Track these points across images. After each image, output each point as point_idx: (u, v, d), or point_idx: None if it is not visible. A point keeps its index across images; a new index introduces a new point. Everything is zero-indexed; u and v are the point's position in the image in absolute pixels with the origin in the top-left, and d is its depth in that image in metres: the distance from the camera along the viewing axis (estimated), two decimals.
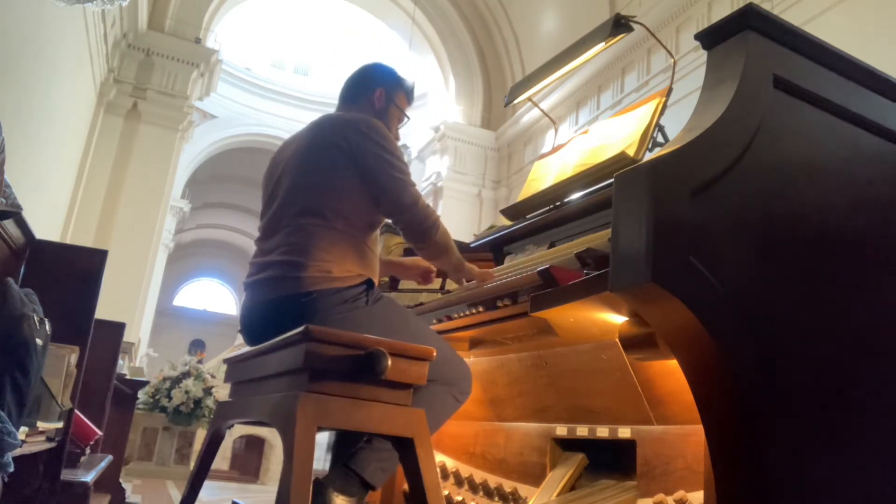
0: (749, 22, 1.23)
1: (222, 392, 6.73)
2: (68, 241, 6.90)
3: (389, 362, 1.29)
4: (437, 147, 11.25)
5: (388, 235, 2.53)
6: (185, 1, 8.90)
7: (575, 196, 2.11)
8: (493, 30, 11.03)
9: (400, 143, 1.89)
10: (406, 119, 1.97)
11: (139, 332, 8.22)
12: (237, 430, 7.94)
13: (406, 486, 2.01)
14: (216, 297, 22.73)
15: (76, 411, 2.56)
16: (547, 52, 8.32)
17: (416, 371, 1.36)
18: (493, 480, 2.00)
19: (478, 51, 11.08)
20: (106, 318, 3.41)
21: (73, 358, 2.38)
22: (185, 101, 8.68)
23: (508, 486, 1.93)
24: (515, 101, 2.67)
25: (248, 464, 8.60)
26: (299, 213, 1.68)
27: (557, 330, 1.51)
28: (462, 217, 10.22)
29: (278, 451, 7.63)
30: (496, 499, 1.95)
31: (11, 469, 1.48)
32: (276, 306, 1.62)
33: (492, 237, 2.43)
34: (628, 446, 1.58)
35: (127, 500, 4.07)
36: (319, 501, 1.42)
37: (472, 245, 2.50)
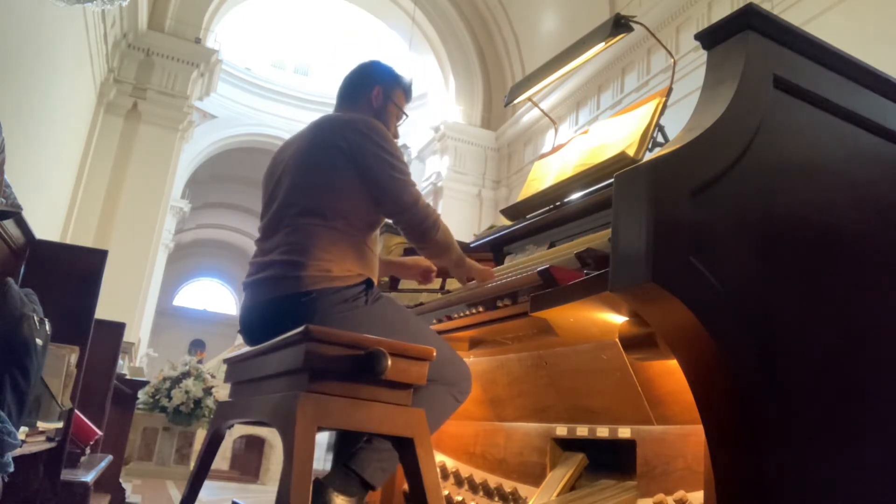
0: (749, 22, 1.23)
1: (222, 392, 6.73)
2: (68, 241, 6.90)
3: (389, 362, 1.30)
4: (437, 147, 11.25)
5: (388, 235, 2.53)
6: (185, 1, 8.90)
7: (575, 196, 2.11)
8: (493, 30, 11.03)
9: (400, 143, 1.89)
10: (405, 117, 1.97)
11: (139, 332, 8.22)
12: (237, 430, 7.94)
13: (406, 486, 2.01)
14: (216, 297, 22.73)
15: (76, 411, 2.55)
16: (547, 52, 8.32)
17: (416, 371, 1.36)
18: (493, 480, 2.00)
19: (478, 51, 11.08)
20: (106, 318, 3.41)
21: (73, 358, 2.38)
22: (185, 101, 8.68)
23: (508, 486, 1.93)
24: (515, 101, 2.67)
25: (248, 464, 8.59)
26: (299, 213, 1.68)
27: (557, 330, 1.51)
28: (462, 217, 10.23)
29: (278, 451, 7.63)
30: (496, 499, 1.95)
31: (11, 469, 1.48)
32: (276, 306, 1.62)
33: (492, 237, 2.43)
34: (628, 446, 1.58)
35: (127, 500, 4.06)
36: (319, 501, 1.42)
37: (472, 245, 2.50)
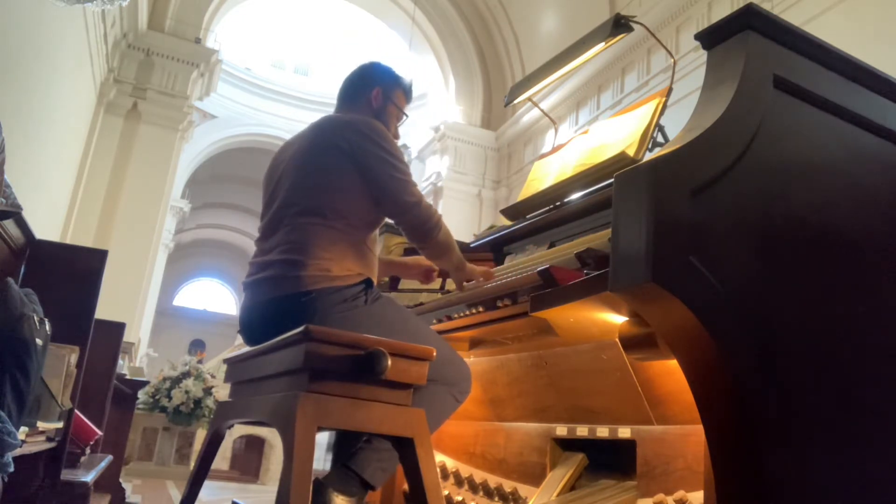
0: (749, 22, 1.23)
1: (222, 392, 6.73)
2: (68, 241, 6.90)
3: (389, 362, 1.30)
4: (437, 147, 11.25)
5: (388, 235, 2.53)
6: (185, 1, 8.90)
7: (575, 196, 2.11)
8: (493, 30, 11.03)
9: (400, 143, 1.89)
10: (405, 117, 1.97)
11: (139, 332, 8.22)
12: (237, 430, 7.94)
13: (406, 486, 2.01)
14: (216, 297, 22.73)
15: (76, 411, 2.55)
16: (547, 52, 8.33)
17: (416, 371, 1.36)
18: (493, 480, 2.00)
19: (478, 51, 11.08)
20: (106, 318, 3.41)
21: (73, 358, 2.38)
22: (185, 101, 8.68)
23: (508, 486, 1.93)
24: (515, 101, 2.67)
25: (248, 464, 8.59)
26: (299, 212, 1.68)
27: (557, 330, 1.51)
28: (462, 217, 10.23)
29: (278, 451, 7.63)
30: (496, 499, 1.95)
31: (11, 469, 1.48)
32: (276, 306, 1.62)
33: (492, 237, 2.43)
34: (628, 446, 1.58)
35: (127, 500, 4.06)
36: (319, 501, 1.42)
37: (472, 245, 2.50)
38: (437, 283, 2.28)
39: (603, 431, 1.67)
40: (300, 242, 1.64)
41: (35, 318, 1.85)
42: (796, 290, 1.14)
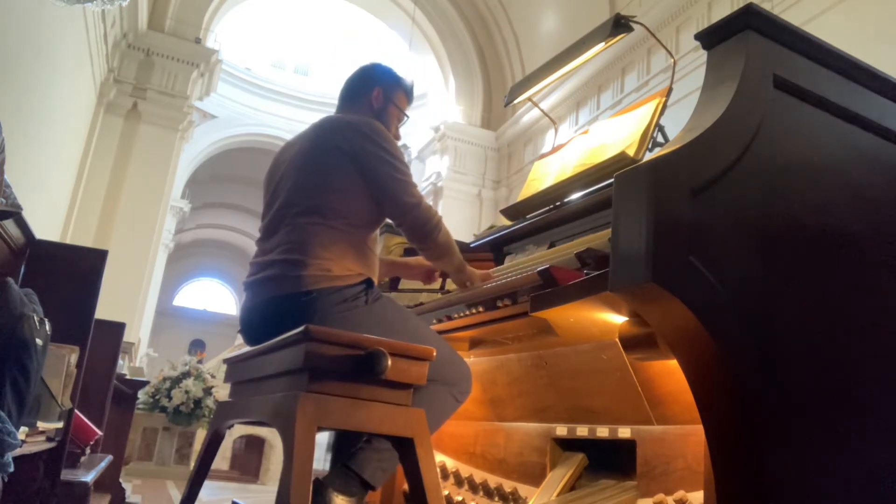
0: (749, 22, 1.23)
1: (222, 392, 6.73)
2: (68, 241, 6.90)
3: (389, 362, 1.30)
4: (437, 147, 11.25)
5: (388, 235, 2.53)
6: (185, 1, 8.90)
7: (575, 196, 2.11)
8: (493, 30, 11.03)
9: (400, 143, 1.89)
10: (406, 118, 1.97)
11: (139, 332, 8.22)
12: (237, 430, 7.93)
13: (406, 486, 2.01)
14: (216, 297, 22.73)
15: (76, 411, 2.55)
16: (547, 52, 8.33)
17: (416, 371, 1.36)
18: (493, 480, 2.00)
19: (478, 51, 11.08)
20: (106, 318, 3.41)
21: (73, 358, 2.38)
22: (185, 101, 8.68)
23: (508, 486, 1.93)
24: (515, 101, 2.67)
25: (248, 464, 8.59)
26: (300, 212, 1.68)
27: (557, 330, 1.51)
28: (462, 217, 10.23)
29: (278, 451, 7.63)
30: (496, 499, 1.95)
31: (11, 469, 1.48)
32: (276, 305, 1.62)
33: (492, 237, 2.43)
34: (628, 446, 1.58)
35: (127, 500, 4.06)
36: (319, 501, 1.42)
37: (472, 245, 2.50)
38: (437, 283, 2.28)
39: (603, 431, 1.67)
40: (301, 242, 1.64)
41: (35, 318, 1.85)
42: (796, 289, 1.14)
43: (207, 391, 6.88)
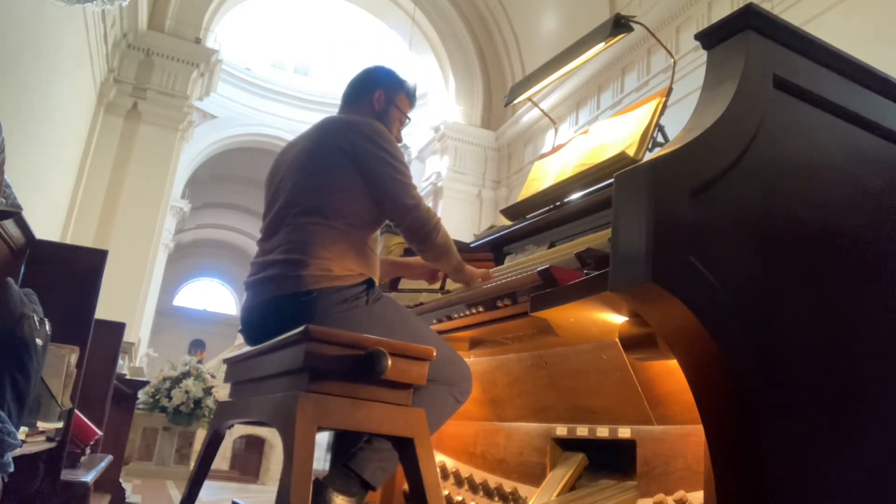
0: (749, 22, 1.23)
1: (222, 392, 6.73)
2: (68, 241, 6.90)
3: (389, 362, 1.30)
4: (437, 147, 11.25)
5: (388, 235, 2.53)
6: (185, 1, 8.90)
7: (575, 196, 2.11)
8: (493, 30, 11.03)
9: (400, 144, 1.90)
10: (407, 120, 1.98)
11: (139, 332, 8.22)
12: (237, 430, 7.94)
13: (406, 486, 2.01)
14: (216, 297, 22.73)
15: (76, 411, 2.55)
16: (547, 52, 8.33)
17: (416, 371, 1.36)
18: (493, 480, 2.00)
19: (478, 51, 11.08)
20: (106, 318, 3.41)
21: (73, 358, 2.38)
22: (185, 101, 8.68)
23: (508, 486, 1.93)
24: (515, 101, 2.67)
25: (248, 464, 8.59)
26: (300, 212, 1.69)
27: (557, 330, 1.51)
28: (462, 217, 10.23)
29: (278, 451, 7.63)
30: (496, 499, 1.95)
31: (11, 469, 1.48)
32: (277, 305, 1.62)
33: (492, 237, 2.43)
34: (628, 446, 1.58)
35: (127, 500, 4.06)
36: (319, 501, 1.42)
37: (472, 245, 2.50)
38: (438, 283, 2.28)
39: (603, 431, 1.67)
40: (301, 242, 1.64)
41: (35, 318, 1.85)
42: (796, 289, 1.14)
43: (207, 391, 6.88)
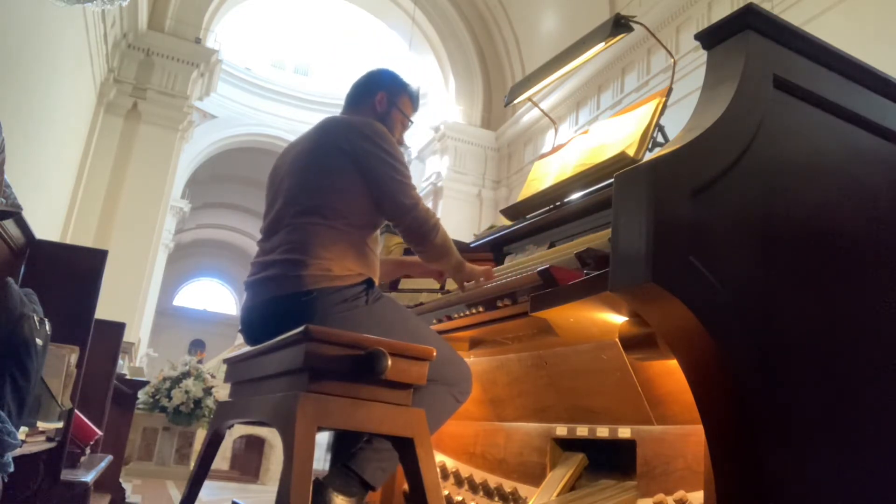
0: (749, 22, 1.23)
1: (222, 392, 6.73)
2: (68, 241, 6.90)
3: (389, 362, 1.30)
4: (437, 147, 11.25)
5: (388, 235, 2.53)
6: (185, 1, 8.90)
7: (575, 196, 2.11)
8: (493, 30, 11.03)
9: (402, 147, 1.90)
10: (410, 123, 1.98)
11: (139, 332, 8.22)
12: (237, 430, 7.93)
13: (406, 486, 2.01)
14: (216, 297, 22.73)
15: (76, 411, 2.55)
16: (547, 52, 8.33)
17: (416, 371, 1.36)
18: (493, 480, 2.00)
19: (478, 51, 11.08)
20: (106, 318, 3.41)
21: (73, 358, 2.38)
22: (185, 101, 8.68)
23: (508, 486, 1.93)
24: (515, 101, 2.67)
25: (248, 464, 8.59)
26: (300, 212, 1.69)
27: (557, 330, 1.51)
28: (462, 217, 10.23)
29: (278, 451, 7.63)
30: (496, 499, 1.95)
31: (11, 469, 1.48)
32: (277, 305, 1.62)
33: (492, 237, 2.43)
34: (628, 446, 1.58)
35: (127, 500, 4.06)
36: (319, 501, 1.42)
37: (472, 245, 2.50)
38: (437, 283, 2.28)
39: (603, 431, 1.67)
40: (301, 242, 1.64)
41: (35, 318, 1.85)
42: (796, 289, 1.14)
43: (207, 391, 6.88)
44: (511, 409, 2.00)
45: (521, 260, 2.06)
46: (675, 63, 2.77)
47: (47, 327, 1.94)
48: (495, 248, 2.44)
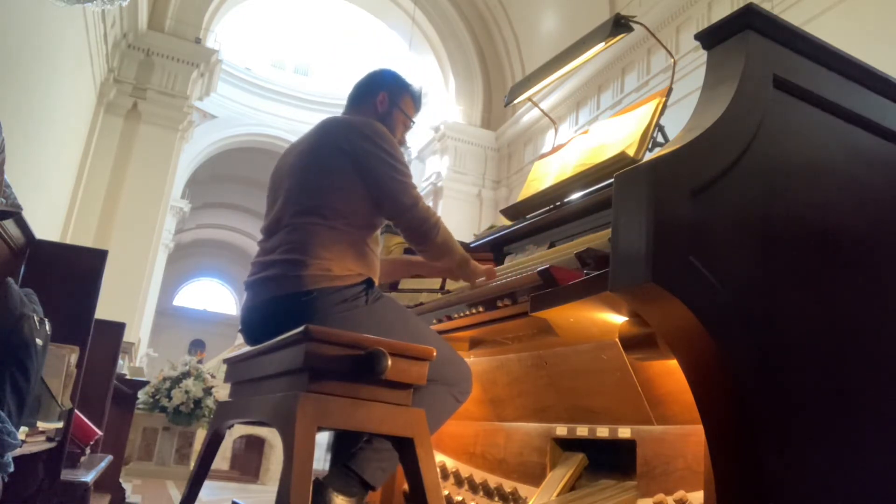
0: (749, 22, 1.23)
1: (222, 392, 6.73)
2: (68, 241, 6.90)
3: (389, 362, 1.30)
4: (437, 147, 11.25)
5: (388, 235, 2.53)
6: (185, 1, 8.90)
7: (575, 196, 2.11)
8: (493, 30, 11.03)
9: (403, 147, 1.89)
10: (412, 124, 1.98)
11: (139, 332, 8.22)
12: (237, 430, 7.93)
13: (406, 486, 2.01)
14: (216, 297, 22.73)
15: (76, 411, 2.55)
16: (547, 52, 8.33)
17: (416, 371, 1.36)
18: (493, 480, 2.00)
19: (478, 51, 11.08)
20: (106, 318, 3.41)
21: (73, 358, 2.38)
22: (185, 101, 8.68)
23: (508, 486, 1.93)
24: (515, 101, 2.67)
25: (248, 464, 8.59)
26: (300, 212, 1.69)
27: (557, 330, 1.51)
28: (462, 217, 10.23)
29: (278, 451, 7.63)
30: (496, 499, 1.95)
31: (11, 469, 1.48)
32: (277, 305, 1.62)
33: (492, 237, 2.43)
34: (628, 446, 1.58)
35: (127, 500, 4.06)
36: (319, 501, 1.42)
37: (472, 245, 2.50)
38: (437, 283, 2.27)
39: (603, 431, 1.67)
40: (301, 242, 1.65)
41: (35, 318, 1.85)
42: (796, 289, 1.14)
43: (207, 391, 6.88)
44: (511, 409, 2.00)
45: (521, 260, 2.06)
46: (675, 63, 2.77)
47: (47, 327, 1.94)
48: (495, 248, 2.44)
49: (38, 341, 1.82)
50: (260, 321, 1.68)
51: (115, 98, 8.13)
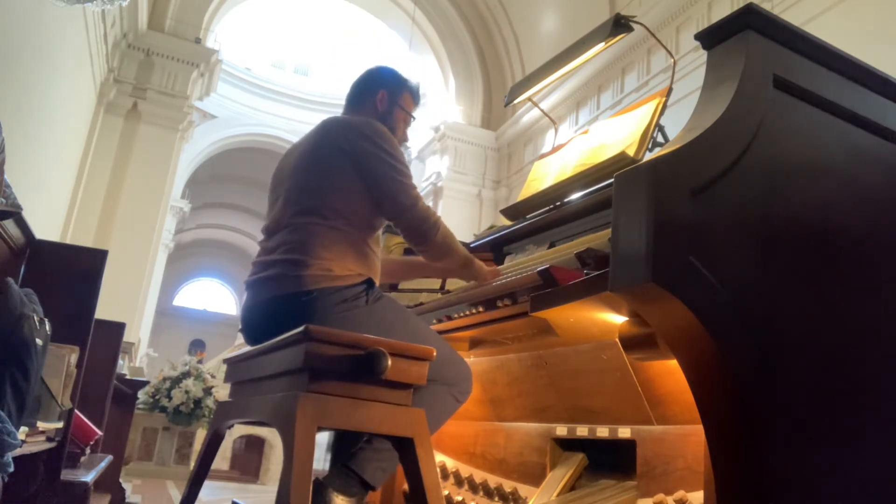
0: (749, 22, 1.23)
1: (222, 392, 6.73)
2: (68, 241, 6.90)
3: (389, 362, 1.30)
4: (437, 147, 11.26)
5: (388, 235, 2.53)
6: (185, 1, 8.90)
7: (575, 196, 2.11)
8: (493, 30, 11.03)
9: (405, 144, 1.89)
10: (412, 120, 1.98)
11: (139, 332, 8.22)
12: (237, 430, 7.94)
13: (406, 486, 2.01)
14: (216, 297, 22.73)
15: (76, 411, 2.55)
16: (547, 52, 8.33)
17: (416, 371, 1.36)
18: (493, 480, 2.00)
19: (478, 51, 11.08)
20: (106, 318, 3.41)
21: (73, 358, 2.38)
22: (185, 101, 8.68)
23: (508, 486, 1.93)
24: (515, 101, 2.67)
25: (248, 464, 8.59)
26: (300, 212, 1.69)
27: (557, 330, 1.51)
28: (462, 217, 10.23)
29: (278, 451, 7.63)
30: (496, 499, 1.95)
31: (11, 469, 1.48)
32: (277, 305, 1.62)
33: (492, 237, 2.43)
34: (628, 446, 1.58)
35: (127, 500, 4.06)
36: (319, 501, 1.42)
37: (472, 245, 2.50)
38: (437, 283, 2.27)
39: (603, 431, 1.67)
40: (302, 242, 1.65)
41: (35, 318, 1.85)
42: (796, 289, 1.14)
43: (207, 391, 6.88)
44: (511, 409, 2.00)
45: (521, 260, 2.06)
46: (675, 63, 2.77)
47: (47, 327, 1.94)
48: (495, 248, 2.44)
49: (38, 341, 1.82)
50: (260, 321, 1.68)
51: (115, 98, 8.13)
